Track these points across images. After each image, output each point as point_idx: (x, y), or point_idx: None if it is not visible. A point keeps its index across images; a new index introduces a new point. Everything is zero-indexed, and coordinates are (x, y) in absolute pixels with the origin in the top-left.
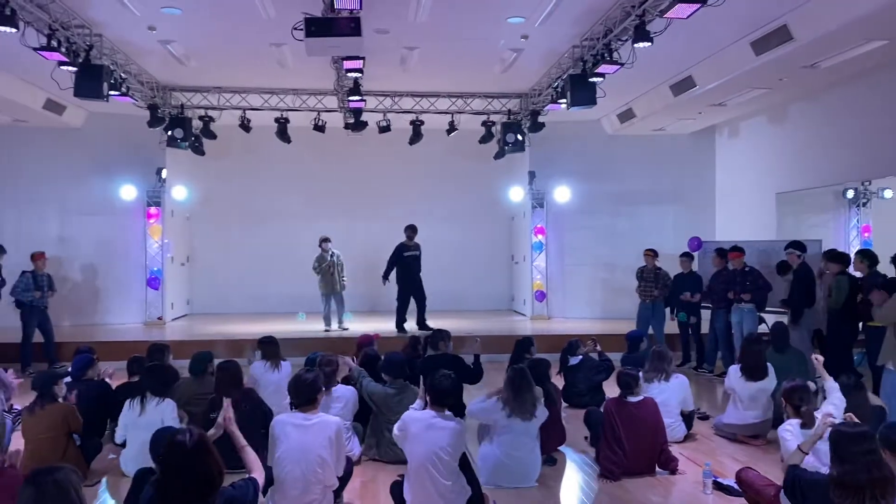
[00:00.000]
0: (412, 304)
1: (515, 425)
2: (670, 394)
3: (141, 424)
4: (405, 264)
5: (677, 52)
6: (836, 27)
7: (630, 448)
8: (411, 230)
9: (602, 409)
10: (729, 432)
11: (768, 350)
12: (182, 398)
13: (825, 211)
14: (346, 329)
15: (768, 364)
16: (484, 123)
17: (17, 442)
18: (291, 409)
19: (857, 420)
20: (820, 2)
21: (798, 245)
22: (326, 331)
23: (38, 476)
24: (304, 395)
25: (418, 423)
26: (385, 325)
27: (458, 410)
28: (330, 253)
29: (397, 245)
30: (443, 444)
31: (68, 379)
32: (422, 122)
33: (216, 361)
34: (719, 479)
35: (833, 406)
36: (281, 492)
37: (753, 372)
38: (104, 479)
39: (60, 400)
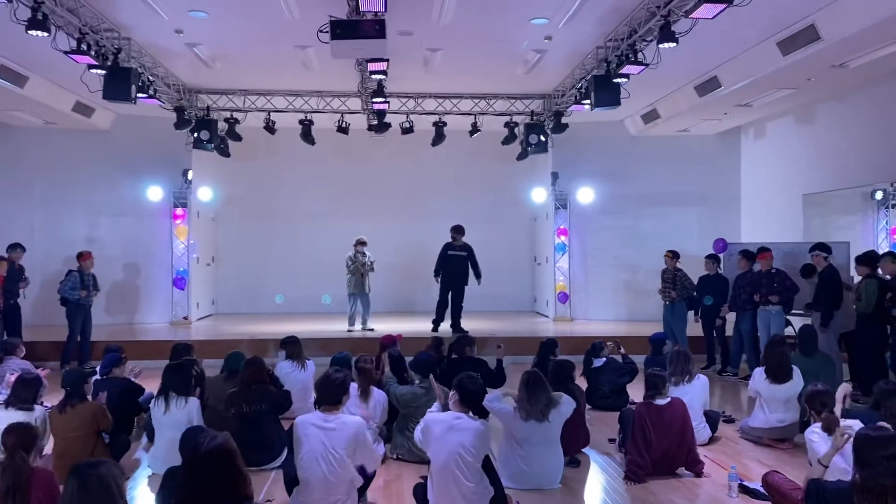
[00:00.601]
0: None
1: (534, 431)
2: (693, 395)
3: (166, 423)
4: (448, 264)
5: (702, 52)
6: (865, 27)
7: (659, 450)
8: (456, 230)
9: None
10: (755, 436)
11: (794, 353)
12: (211, 397)
13: (853, 212)
14: (372, 330)
15: (794, 366)
16: (507, 124)
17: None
18: (316, 407)
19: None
20: (848, 1)
21: (823, 247)
22: (349, 331)
23: (82, 469)
24: (332, 395)
25: (441, 425)
26: (407, 326)
27: (480, 412)
28: (363, 255)
29: (444, 244)
30: (466, 444)
31: (96, 377)
32: (444, 124)
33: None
34: (745, 483)
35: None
36: (306, 492)
37: (777, 374)
38: (134, 477)
39: (89, 398)
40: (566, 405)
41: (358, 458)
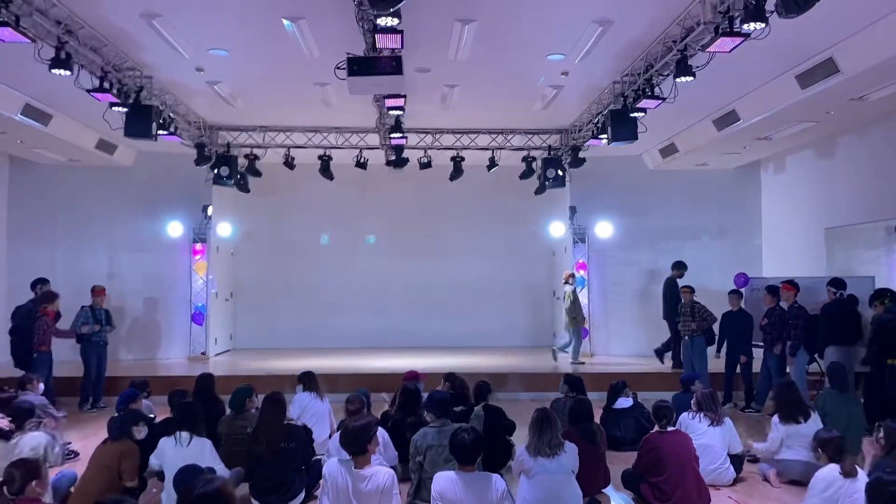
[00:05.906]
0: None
1: (546, 464)
2: (712, 437)
3: (180, 460)
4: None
5: (720, 86)
6: (884, 59)
7: (675, 474)
8: (678, 266)
9: (643, 444)
10: (788, 468)
11: (825, 390)
12: (222, 435)
13: (876, 247)
14: (583, 363)
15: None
16: (524, 159)
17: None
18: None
19: None
20: (867, 34)
21: (836, 283)
22: (583, 361)
23: None
24: (354, 444)
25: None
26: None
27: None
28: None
29: (675, 283)
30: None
31: (115, 416)
32: (462, 159)
33: (260, 396)
34: None
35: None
36: None
37: (796, 415)
38: None
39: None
40: (570, 453)
41: None
